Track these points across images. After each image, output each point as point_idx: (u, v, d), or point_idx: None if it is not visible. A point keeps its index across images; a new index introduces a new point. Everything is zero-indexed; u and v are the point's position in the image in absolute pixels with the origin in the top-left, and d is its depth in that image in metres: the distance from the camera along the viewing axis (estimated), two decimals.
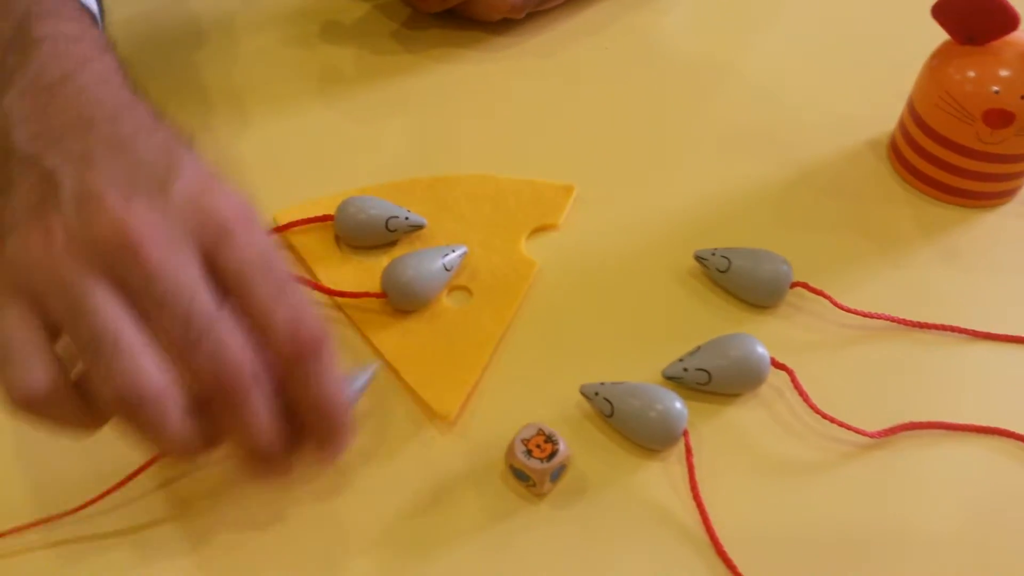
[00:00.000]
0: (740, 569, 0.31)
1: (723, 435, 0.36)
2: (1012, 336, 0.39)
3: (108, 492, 0.32)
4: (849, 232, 0.43)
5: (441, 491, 0.34)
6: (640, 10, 0.56)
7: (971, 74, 0.40)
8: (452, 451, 0.35)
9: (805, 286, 0.39)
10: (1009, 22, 0.39)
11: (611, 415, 0.35)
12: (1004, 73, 0.40)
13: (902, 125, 0.45)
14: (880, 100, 0.48)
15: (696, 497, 0.33)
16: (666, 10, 0.56)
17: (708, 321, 0.39)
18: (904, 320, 0.39)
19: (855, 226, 0.43)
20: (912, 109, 0.44)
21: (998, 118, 0.40)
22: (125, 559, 0.32)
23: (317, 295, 0.40)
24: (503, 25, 0.54)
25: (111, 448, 0.30)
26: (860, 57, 0.53)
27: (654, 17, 0.56)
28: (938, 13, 0.41)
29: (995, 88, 0.40)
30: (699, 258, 0.40)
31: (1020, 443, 0.35)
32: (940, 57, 0.42)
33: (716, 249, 0.40)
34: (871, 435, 0.35)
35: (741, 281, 0.39)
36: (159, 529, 0.32)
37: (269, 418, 0.28)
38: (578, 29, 0.54)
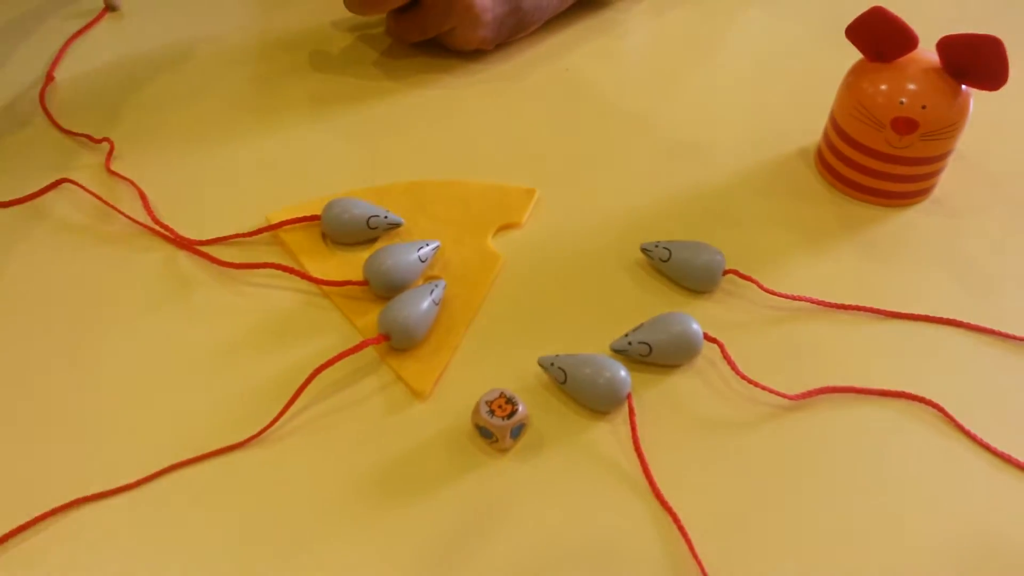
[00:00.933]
0: (675, 511, 0.36)
1: (663, 400, 0.41)
2: (918, 315, 0.44)
3: (275, 420, 0.38)
4: (777, 228, 0.49)
5: (417, 452, 0.39)
6: (601, 35, 0.62)
7: (882, 87, 0.46)
8: (427, 419, 0.40)
9: (736, 273, 0.45)
10: (910, 42, 0.45)
11: (564, 382, 0.40)
12: (910, 87, 0.46)
13: (826, 135, 0.51)
14: (808, 115, 0.54)
15: (638, 450, 0.38)
16: (623, 35, 0.62)
17: (651, 304, 0.44)
18: (823, 302, 0.44)
19: (783, 223, 0.49)
20: (833, 120, 0.49)
21: (904, 125, 0.46)
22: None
23: (306, 284, 0.45)
24: (476, 54, 0.59)
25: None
26: (790, 78, 0.59)
27: (612, 42, 0.62)
28: (851, 34, 0.47)
29: (902, 99, 0.46)
30: (644, 250, 0.46)
31: (923, 405, 0.41)
32: (855, 73, 0.48)
33: (659, 242, 0.45)
34: (792, 398, 0.40)
35: (680, 269, 0.45)
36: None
37: None
38: (543, 54, 0.60)
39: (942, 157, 0.48)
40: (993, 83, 0.44)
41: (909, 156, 0.47)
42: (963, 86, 0.46)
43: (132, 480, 0.37)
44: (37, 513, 0.35)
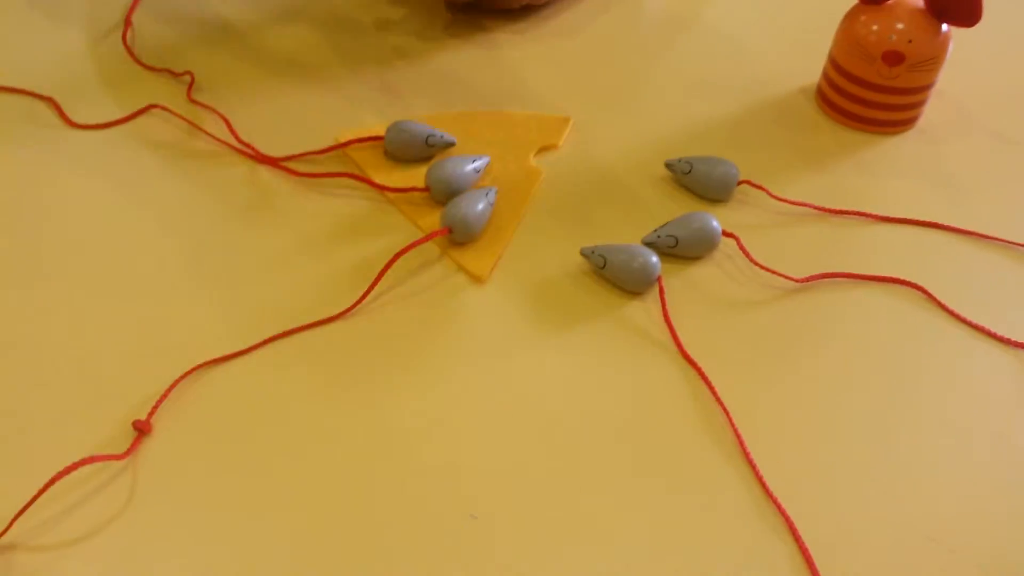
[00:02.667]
0: (700, 365, 0.43)
1: (688, 284, 0.47)
2: (904, 219, 0.51)
3: (362, 299, 0.44)
4: (784, 150, 0.55)
5: (477, 325, 0.45)
6: None
7: (874, 27, 0.53)
8: (485, 300, 0.46)
9: (749, 183, 0.52)
10: None
11: (604, 267, 0.46)
12: (898, 25, 0.53)
13: (825, 72, 0.58)
14: (809, 57, 0.61)
15: (668, 321, 0.45)
16: None
17: (676, 210, 0.51)
18: (823, 207, 0.51)
19: (788, 147, 0.56)
20: (832, 58, 0.56)
21: (893, 57, 0.52)
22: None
23: (373, 192, 0.51)
24: (522, 12, 0.66)
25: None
26: (795, 23, 0.66)
27: None
28: None
29: (891, 36, 0.52)
30: (668, 165, 0.52)
31: (909, 288, 0.47)
32: (851, 15, 0.55)
33: (681, 157, 0.52)
34: (798, 280, 0.47)
35: (700, 180, 0.51)
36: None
37: None
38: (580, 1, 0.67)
39: (926, 88, 0.55)
40: (968, 20, 0.51)
41: (897, 86, 0.54)
42: (943, 24, 0.53)
43: (246, 347, 0.43)
44: (178, 373, 0.42)
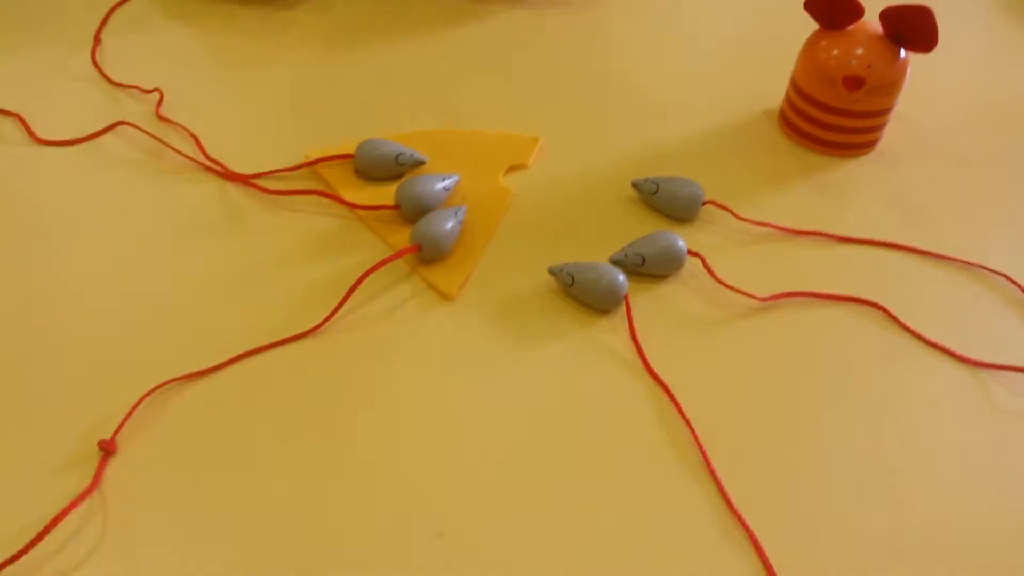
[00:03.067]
0: (666, 383, 0.44)
1: (654, 302, 0.48)
2: (864, 239, 0.52)
3: (330, 316, 0.44)
4: (747, 172, 0.57)
5: (447, 342, 0.45)
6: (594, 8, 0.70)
7: (835, 52, 0.55)
8: (454, 317, 0.47)
9: (714, 203, 0.53)
10: (856, 12, 0.54)
11: (571, 285, 0.47)
12: (858, 51, 0.54)
13: (787, 95, 0.59)
14: (772, 81, 0.63)
15: (634, 339, 0.45)
16: (615, 9, 0.71)
17: (642, 229, 0.52)
18: (785, 228, 0.52)
19: (752, 168, 0.57)
20: (794, 82, 0.58)
21: (853, 82, 0.54)
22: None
23: (343, 210, 0.52)
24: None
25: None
26: (758, 48, 0.68)
27: (605, 14, 0.70)
28: (808, 7, 0.55)
29: (851, 60, 0.54)
30: (635, 185, 0.53)
31: (872, 308, 0.49)
32: (812, 41, 0.56)
33: (648, 178, 0.53)
34: (761, 299, 0.48)
35: (666, 200, 0.52)
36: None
37: None
38: (549, 23, 0.68)
39: (885, 112, 0.56)
40: (925, 47, 0.53)
41: (858, 110, 0.55)
42: (902, 50, 0.54)
43: (213, 364, 0.43)
44: (141, 392, 0.42)
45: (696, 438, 0.41)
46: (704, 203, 0.52)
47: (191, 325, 0.45)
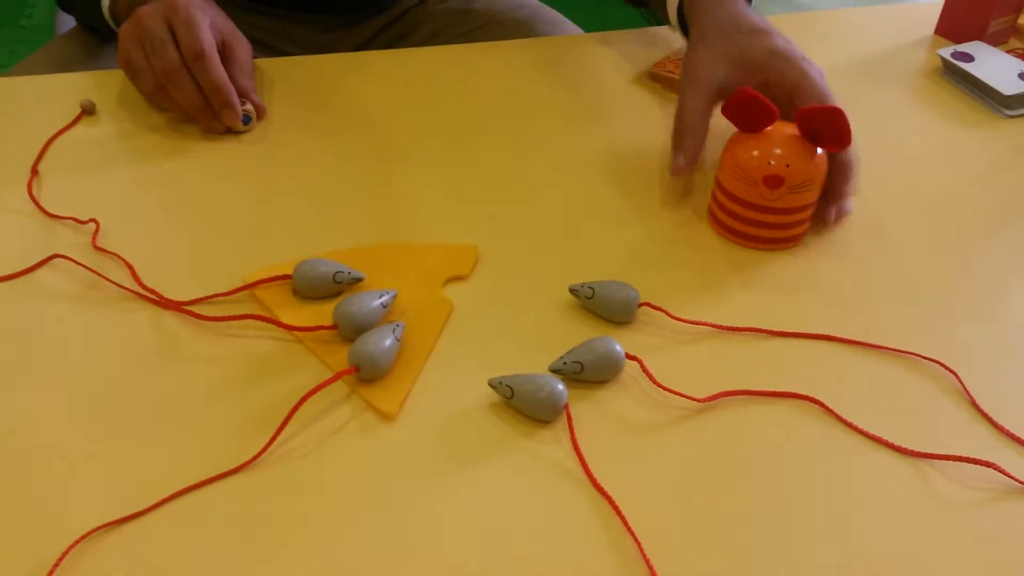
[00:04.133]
0: (610, 493, 0.43)
1: (595, 409, 0.48)
2: (797, 332, 0.53)
3: (267, 446, 0.43)
4: (680, 270, 0.58)
5: (389, 464, 0.45)
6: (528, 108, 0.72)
7: (754, 153, 0.57)
8: (395, 437, 0.46)
9: (649, 305, 0.53)
10: (771, 115, 0.56)
11: (512, 397, 0.47)
12: (776, 151, 0.57)
13: (713, 194, 0.61)
14: (698, 179, 0.65)
15: (577, 450, 0.45)
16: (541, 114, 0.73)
17: (581, 333, 0.52)
18: (719, 325, 0.53)
19: (684, 266, 0.58)
20: (718, 181, 0.60)
21: (774, 181, 0.56)
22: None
23: (281, 332, 0.51)
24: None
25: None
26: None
27: (537, 121, 0.72)
28: (725, 112, 0.58)
29: (770, 161, 0.56)
30: (572, 290, 0.54)
31: (806, 402, 0.49)
32: (732, 142, 0.59)
33: (584, 283, 0.54)
34: (700, 400, 0.48)
35: (603, 304, 0.53)
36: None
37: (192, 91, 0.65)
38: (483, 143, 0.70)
39: (806, 207, 0.58)
40: (839, 144, 0.55)
41: (779, 207, 0.57)
42: (818, 148, 0.57)
43: (143, 507, 0.42)
44: (66, 542, 0.40)
45: (642, 551, 0.41)
46: (640, 305, 0.53)
47: (123, 464, 0.44)
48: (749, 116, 0.57)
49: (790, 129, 0.57)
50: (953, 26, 0.87)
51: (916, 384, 0.51)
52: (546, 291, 0.55)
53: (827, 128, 0.55)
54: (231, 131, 0.68)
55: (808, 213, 0.59)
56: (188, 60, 0.64)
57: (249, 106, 0.68)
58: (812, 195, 0.58)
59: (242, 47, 0.71)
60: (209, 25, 0.67)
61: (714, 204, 0.61)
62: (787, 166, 0.56)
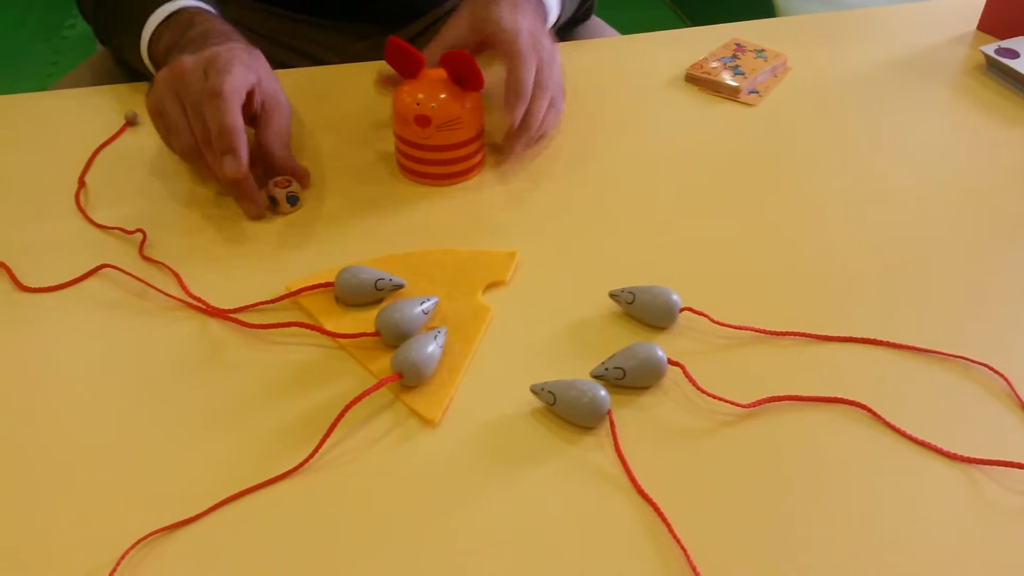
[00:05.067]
0: (655, 500, 0.43)
1: (637, 415, 0.48)
2: (841, 336, 0.53)
3: (314, 452, 0.44)
4: (721, 273, 0.57)
5: (433, 469, 0.45)
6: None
7: (406, 98, 0.62)
8: (438, 443, 0.46)
9: (691, 310, 0.53)
10: (418, 63, 0.62)
11: (554, 403, 0.47)
12: (421, 95, 0.61)
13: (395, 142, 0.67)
14: (738, 186, 0.64)
15: (620, 456, 0.45)
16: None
17: (622, 338, 0.52)
18: (762, 330, 0.53)
19: (726, 268, 0.58)
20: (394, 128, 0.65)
21: (422, 120, 0.61)
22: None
23: (324, 339, 0.52)
24: None
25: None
26: (710, 155, 0.69)
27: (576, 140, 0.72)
28: (387, 58, 0.62)
29: (417, 102, 0.61)
30: (612, 295, 0.54)
31: (853, 407, 0.49)
32: (398, 89, 0.63)
33: (624, 288, 0.54)
34: (744, 406, 0.48)
35: (644, 309, 0.53)
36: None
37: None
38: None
39: (462, 144, 0.64)
40: (475, 86, 0.61)
41: (433, 144, 0.63)
42: (466, 91, 0.62)
43: (194, 513, 0.43)
44: (120, 547, 0.41)
45: (689, 558, 0.41)
46: (681, 310, 0.53)
47: (174, 470, 0.45)
48: (405, 64, 0.62)
49: (440, 74, 0.63)
50: (997, 22, 0.85)
51: (965, 388, 0.50)
52: (585, 296, 0.55)
53: (465, 72, 0.60)
54: (277, 212, 0.62)
55: (468, 150, 0.65)
56: (204, 96, 0.57)
57: (295, 186, 0.62)
58: (464, 133, 0.63)
59: (281, 114, 0.64)
60: (249, 81, 0.60)
61: (396, 151, 0.66)
62: (432, 106, 0.61)
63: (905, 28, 0.87)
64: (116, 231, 0.60)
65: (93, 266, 0.57)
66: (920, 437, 0.47)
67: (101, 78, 0.81)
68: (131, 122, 0.71)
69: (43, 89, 0.78)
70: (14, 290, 0.56)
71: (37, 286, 0.56)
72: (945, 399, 0.49)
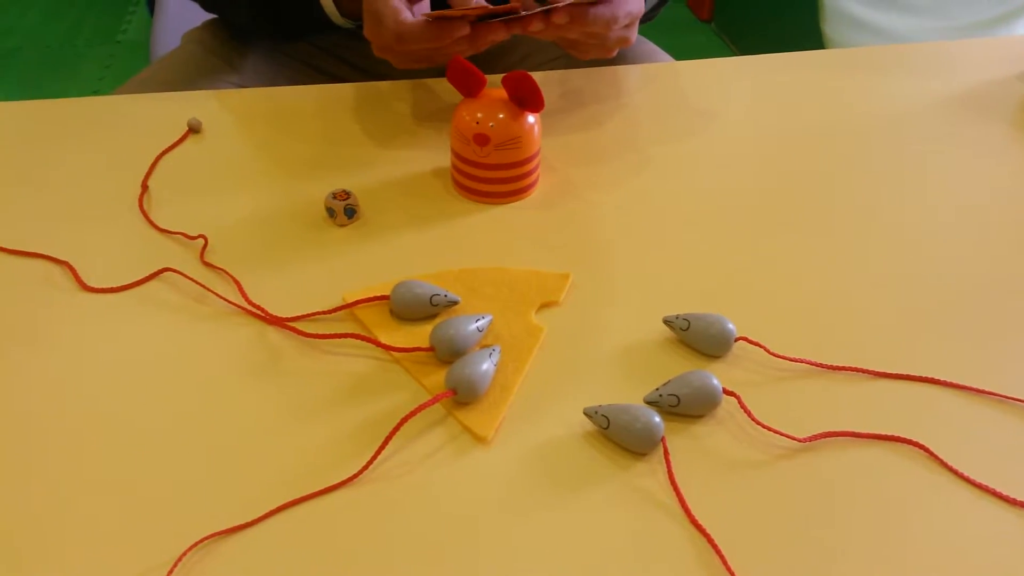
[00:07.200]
0: (708, 531, 0.43)
1: (691, 444, 0.48)
2: (900, 374, 0.52)
3: (368, 464, 0.44)
4: (779, 303, 0.57)
5: (484, 488, 0.45)
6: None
7: (466, 116, 0.63)
8: (490, 461, 0.47)
9: (747, 340, 0.53)
10: (479, 83, 0.62)
11: (607, 427, 0.47)
12: (480, 114, 0.62)
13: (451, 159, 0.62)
14: (787, 216, 0.64)
15: (674, 484, 0.45)
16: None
17: (676, 365, 0.52)
18: (820, 364, 0.52)
19: (784, 298, 0.57)
20: (451, 145, 0.66)
21: (480, 139, 0.62)
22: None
23: (379, 352, 0.53)
24: None
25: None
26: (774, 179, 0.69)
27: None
28: (449, 78, 0.63)
29: (476, 121, 0.62)
30: (666, 321, 0.54)
31: (910, 446, 0.48)
32: (458, 107, 0.64)
33: (679, 314, 0.54)
34: (800, 440, 0.48)
35: (698, 336, 0.53)
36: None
37: None
38: (581, 175, 0.71)
39: (518, 164, 0.64)
40: (535, 106, 0.62)
41: (490, 163, 0.63)
42: (525, 111, 0.63)
43: (251, 518, 0.43)
44: (177, 549, 0.42)
45: None
46: (736, 339, 0.53)
47: (232, 474, 0.45)
48: (465, 81, 0.63)
49: (500, 94, 0.63)
50: None
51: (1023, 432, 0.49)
52: (639, 321, 0.55)
53: (526, 92, 0.61)
54: (335, 224, 0.63)
55: (524, 169, 0.65)
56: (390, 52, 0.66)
57: (353, 198, 0.63)
58: (521, 153, 0.63)
59: None
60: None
61: (452, 168, 0.67)
62: (491, 125, 0.61)
63: (962, 65, 0.87)
64: (178, 235, 0.61)
65: (155, 269, 0.58)
66: (978, 480, 0.46)
67: (159, 87, 0.82)
68: (194, 129, 0.73)
69: (95, 93, 0.80)
70: (78, 290, 0.57)
71: (100, 286, 0.57)
72: (1003, 442, 0.48)
